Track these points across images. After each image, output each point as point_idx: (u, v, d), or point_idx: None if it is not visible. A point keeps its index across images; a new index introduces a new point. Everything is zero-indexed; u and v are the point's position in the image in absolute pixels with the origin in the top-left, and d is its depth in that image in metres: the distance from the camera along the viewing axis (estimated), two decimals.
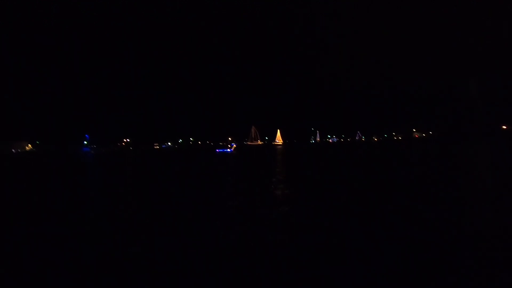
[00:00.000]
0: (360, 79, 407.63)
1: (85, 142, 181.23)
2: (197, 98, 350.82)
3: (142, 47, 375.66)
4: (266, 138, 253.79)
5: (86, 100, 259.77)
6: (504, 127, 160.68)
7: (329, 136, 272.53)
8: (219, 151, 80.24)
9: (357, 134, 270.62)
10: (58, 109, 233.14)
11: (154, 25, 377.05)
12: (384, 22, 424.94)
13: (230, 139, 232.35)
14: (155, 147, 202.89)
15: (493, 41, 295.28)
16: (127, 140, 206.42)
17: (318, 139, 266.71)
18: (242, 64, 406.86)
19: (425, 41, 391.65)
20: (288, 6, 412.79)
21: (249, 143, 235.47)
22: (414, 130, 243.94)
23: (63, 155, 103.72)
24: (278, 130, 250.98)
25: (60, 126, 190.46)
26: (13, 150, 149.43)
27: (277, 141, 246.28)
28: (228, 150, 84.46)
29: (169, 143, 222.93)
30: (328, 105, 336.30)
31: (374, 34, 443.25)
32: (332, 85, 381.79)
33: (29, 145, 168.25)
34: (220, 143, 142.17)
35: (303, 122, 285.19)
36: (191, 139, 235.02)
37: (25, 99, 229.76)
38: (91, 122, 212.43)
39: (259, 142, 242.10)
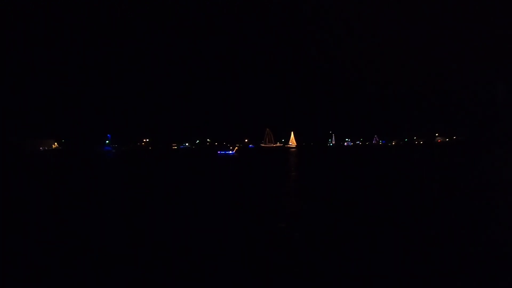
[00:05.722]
0: (383, 82, 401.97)
1: (107, 141, 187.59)
2: (216, 100, 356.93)
3: (165, 50, 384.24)
4: (283, 140, 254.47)
5: (111, 101, 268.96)
6: None
7: (347, 140, 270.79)
8: (220, 153, 78.32)
9: (374, 138, 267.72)
10: (84, 109, 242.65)
11: (175, 27, 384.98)
12: (406, 23, 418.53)
13: (246, 140, 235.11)
14: (173, 147, 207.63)
15: None
16: (146, 140, 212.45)
17: (334, 142, 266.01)
18: (260, 66, 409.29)
19: (452, 43, 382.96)
20: (305, 8, 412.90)
21: (263, 145, 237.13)
22: (437, 134, 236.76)
23: (84, 153, 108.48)
24: (292, 133, 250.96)
25: (86, 126, 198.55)
26: (40, 148, 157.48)
27: (290, 143, 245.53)
28: (230, 152, 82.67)
29: (187, 144, 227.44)
30: (347, 108, 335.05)
31: (396, 35, 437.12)
32: (352, 88, 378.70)
33: (56, 143, 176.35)
34: (238, 145, 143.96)
35: (320, 125, 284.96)
36: (208, 140, 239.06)
37: (54, 99, 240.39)
38: (114, 122, 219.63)
39: (277, 144, 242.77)
